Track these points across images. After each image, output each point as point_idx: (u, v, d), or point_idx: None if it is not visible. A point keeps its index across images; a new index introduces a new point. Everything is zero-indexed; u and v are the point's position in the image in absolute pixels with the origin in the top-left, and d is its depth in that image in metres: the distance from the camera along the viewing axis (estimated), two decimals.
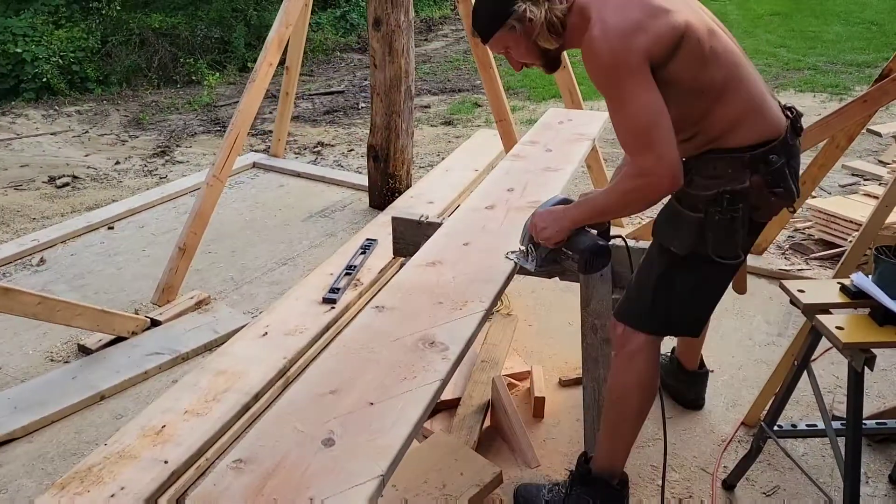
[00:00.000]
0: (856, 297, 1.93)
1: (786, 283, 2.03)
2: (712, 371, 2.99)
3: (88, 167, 6.01)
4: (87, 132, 7.30)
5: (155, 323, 3.23)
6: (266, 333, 3.00)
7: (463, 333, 1.82)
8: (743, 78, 1.86)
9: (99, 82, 9.25)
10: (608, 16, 1.74)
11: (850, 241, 3.92)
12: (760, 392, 2.68)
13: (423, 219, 2.62)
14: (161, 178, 5.74)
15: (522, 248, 2.17)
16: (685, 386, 2.80)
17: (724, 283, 2.02)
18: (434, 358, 1.72)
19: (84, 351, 3.10)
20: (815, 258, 4.04)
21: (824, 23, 11.00)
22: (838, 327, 1.82)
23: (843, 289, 1.97)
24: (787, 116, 1.93)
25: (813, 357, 2.12)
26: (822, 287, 2.02)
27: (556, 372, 2.98)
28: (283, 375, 2.80)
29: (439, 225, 2.58)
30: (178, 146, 6.73)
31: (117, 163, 6.15)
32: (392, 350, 1.75)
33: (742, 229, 1.87)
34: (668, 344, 2.94)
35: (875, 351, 1.80)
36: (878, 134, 6.21)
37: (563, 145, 3.17)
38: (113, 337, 3.10)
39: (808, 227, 4.37)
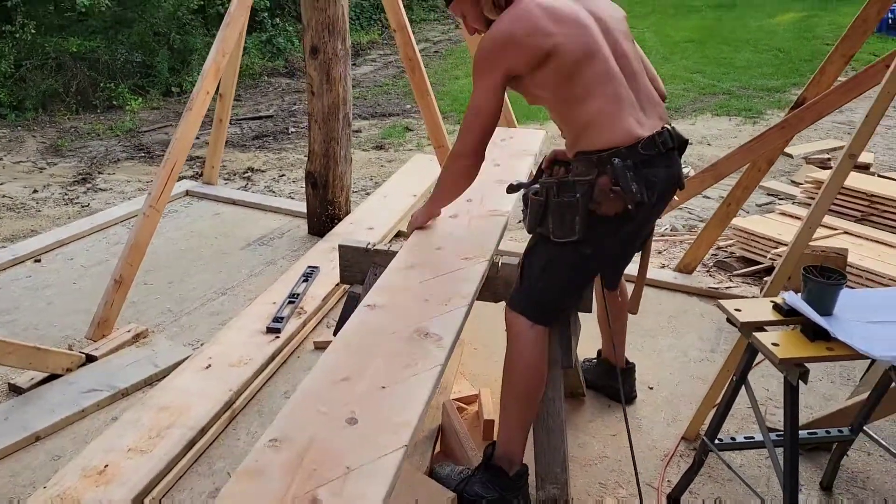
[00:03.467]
0: (788, 314, 2.04)
1: (722, 302, 2.14)
2: (651, 388, 3.11)
3: (3, 196, 5.76)
4: (1, 159, 7.01)
5: (90, 359, 3.12)
6: (209, 366, 2.94)
7: (453, 325, 1.97)
8: (603, 95, 2.12)
9: (12, 108, 8.87)
10: (507, 18, 2.12)
11: (771, 259, 4.15)
12: (699, 407, 2.79)
13: (370, 246, 2.64)
14: (83, 206, 5.56)
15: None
16: (618, 382, 2.85)
17: (574, 269, 2.23)
18: (430, 347, 1.86)
19: (15, 390, 2.96)
20: (738, 275, 4.24)
21: (735, 49, 11.59)
22: (774, 344, 1.93)
23: (776, 307, 2.09)
24: (656, 135, 2.14)
25: None
26: (756, 305, 2.13)
27: None
28: (229, 408, 2.76)
29: (387, 252, 2.62)
30: (100, 173, 6.54)
31: (35, 191, 5.92)
32: (391, 342, 1.88)
33: (578, 216, 2.11)
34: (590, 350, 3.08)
35: (808, 365, 1.92)
36: (790, 156, 6.58)
37: (510, 160, 3.31)
38: (46, 375, 2.97)
39: (730, 246, 4.59)
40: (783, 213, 4.77)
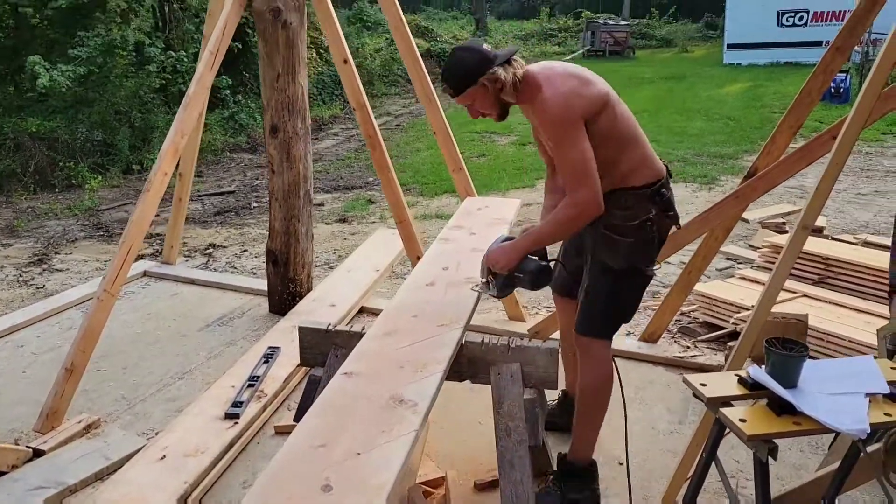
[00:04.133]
0: (753, 388, 2.03)
1: (688, 377, 2.12)
2: (621, 464, 3.05)
3: None
4: None
5: (38, 453, 2.96)
6: (164, 456, 2.82)
7: (428, 391, 2.01)
8: (639, 134, 2.56)
9: None
10: (555, 83, 2.38)
11: (734, 323, 4.17)
12: (670, 483, 2.74)
13: (329, 327, 2.60)
14: (38, 287, 5.41)
15: (483, 280, 2.64)
16: None
17: (641, 287, 2.69)
18: (405, 413, 1.90)
19: None
20: (703, 340, 4.25)
21: (688, 119, 11.97)
22: (741, 419, 1.91)
23: (741, 381, 2.07)
24: (662, 162, 2.64)
25: None
26: (721, 380, 2.11)
27: (471, 475, 2.94)
28: (184, 501, 2.62)
29: (348, 333, 2.57)
30: (56, 253, 6.40)
31: None
32: (367, 408, 1.93)
33: (657, 245, 2.59)
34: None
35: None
36: (746, 220, 6.71)
37: (485, 228, 3.39)
38: None
39: (693, 311, 4.61)
40: (743, 278, 4.83)
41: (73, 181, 9.10)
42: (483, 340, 2.52)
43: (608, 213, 2.45)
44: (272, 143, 4.14)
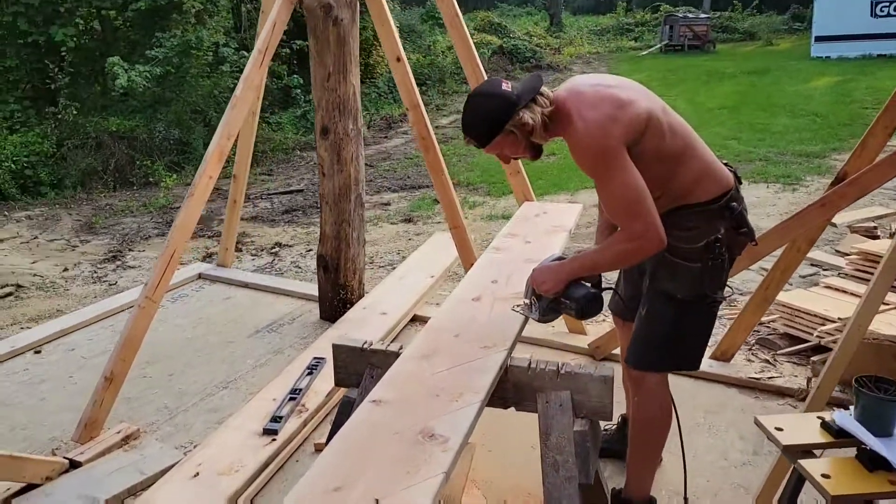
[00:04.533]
0: (839, 435, 1.75)
1: (761, 419, 1.86)
2: (687, 500, 2.77)
3: (35, 275, 5.75)
4: (36, 238, 7.07)
5: (74, 464, 2.90)
6: (198, 474, 2.71)
7: (461, 425, 1.82)
8: (696, 144, 2.26)
9: (52, 186, 9.06)
10: (586, 112, 2.08)
11: (818, 336, 3.81)
12: None
13: (366, 346, 2.43)
14: (111, 284, 5.50)
15: (527, 301, 2.38)
16: None
17: (711, 314, 2.37)
18: (435, 450, 1.72)
19: None
20: (783, 354, 3.91)
21: (771, 115, 11.33)
22: (824, 475, 1.63)
23: (825, 425, 1.79)
24: (729, 169, 2.34)
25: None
26: (801, 423, 1.83)
27: None
28: None
29: (384, 352, 2.40)
30: (130, 250, 6.52)
31: (66, 269, 5.91)
32: (392, 444, 1.76)
33: (727, 267, 2.28)
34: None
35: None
36: (834, 224, 6.23)
37: (542, 237, 3.18)
38: (24, 485, 2.76)
39: (772, 321, 4.26)
40: (829, 287, 4.44)
41: (150, 179, 9.33)
42: (530, 364, 2.30)
43: (668, 235, 2.14)
44: (322, 145, 4.01)
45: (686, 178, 2.21)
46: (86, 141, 9.64)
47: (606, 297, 2.45)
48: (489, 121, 2.14)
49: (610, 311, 2.97)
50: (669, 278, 2.29)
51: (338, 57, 3.88)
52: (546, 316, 2.37)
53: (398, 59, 3.80)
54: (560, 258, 2.37)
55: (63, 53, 10.16)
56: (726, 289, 2.34)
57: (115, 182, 9.38)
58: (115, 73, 9.52)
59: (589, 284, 2.30)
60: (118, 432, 3.09)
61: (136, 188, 9.24)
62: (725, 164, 2.35)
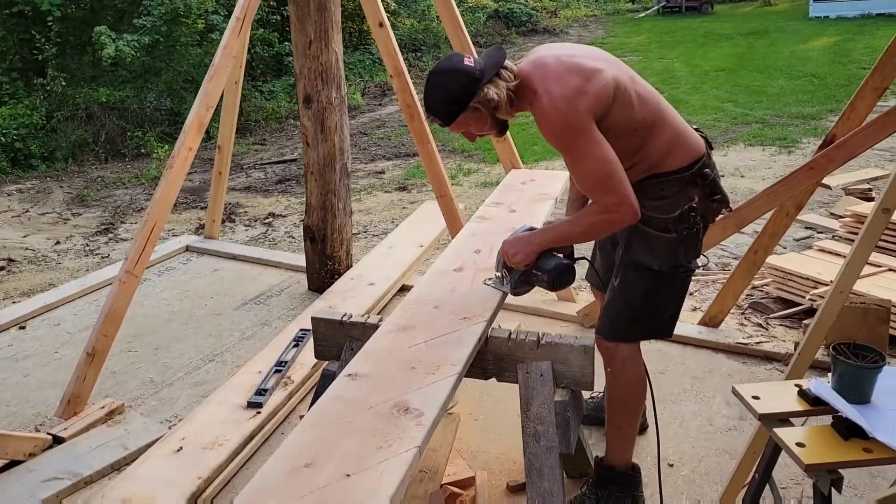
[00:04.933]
0: (816, 403, 1.72)
1: (738, 388, 1.83)
2: (672, 465, 2.77)
3: (26, 248, 5.72)
4: (27, 211, 7.02)
5: (58, 440, 2.89)
6: (181, 448, 2.70)
7: (437, 398, 1.80)
8: (666, 112, 2.21)
9: (43, 159, 8.98)
10: (551, 86, 2.01)
11: (810, 300, 3.78)
12: (724, 491, 2.46)
13: (345, 318, 2.40)
14: (103, 257, 5.48)
15: (498, 274, 2.34)
16: None
17: (685, 283, 2.33)
18: (409, 424, 1.70)
19: None
20: (776, 317, 3.89)
21: (768, 77, 11.20)
22: (799, 444, 1.61)
23: (802, 393, 1.77)
24: (700, 134, 2.29)
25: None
26: (778, 391, 1.81)
27: (504, 475, 2.72)
28: (196, 499, 2.50)
29: (364, 324, 2.37)
30: (122, 223, 6.48)
31: (58, 243, 5.87)
32: (366, 418, 1.73)
33: (702, 235, 2.25)
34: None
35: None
36: (828, 187, 6.18)
37: (528, 205, 3.13)
38: (7, 461, 2.75)
39: (766, 285, 4.24)
40: (822, 250, 4.42)
41: (142, 150, 9.26)
42: (510, 335, 2.27)
43: (642, 206, 2.08)
44: (306, 115, 3.94)
45: (657, 148, 2.15)
46: (76, 112, 9.53)
47: (581, 267, 2.43)
48: (452, 99, 2.05)
49: (590, 284, 2.93)
50: (644, 250, 2.24)
51: (319, 24, 3.79)
52: (518, 288, 2.32)
53: (380, 25, 3.72)
54: (531, 229, 2.32)
55: (49, 23, 10.00)
56: (701, 257, 2.30)
57: (107, 154, 9.29)
58: (102, 43, 9.37)
59: (561, 255, 2.26)
60: (102, 407, 3.08)
61: (127, 160, 9.16)
62: (696, 130, 2.31)
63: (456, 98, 2.04)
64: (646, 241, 2.23)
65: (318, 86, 3.87)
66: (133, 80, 10.28)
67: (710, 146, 2.31)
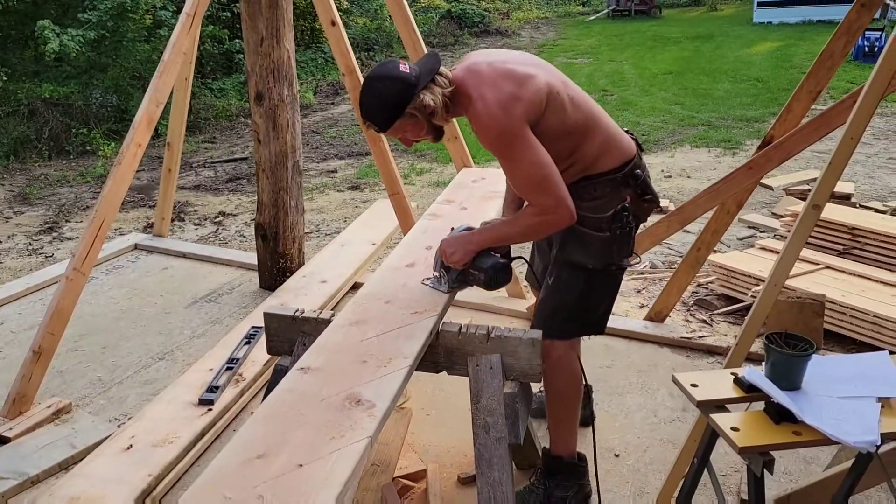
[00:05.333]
0: (750, 390, 1.81)
1: (678, 376, 1.91)
2: (617, 455, 2.86)
3: None
4: None
5: (2, 440, 2.84)
6: (131, 446, 2.68)
7: (388, 390, 1.84)
8: (598, 115, 2.26)
9: None
10: (486, 92, 2.05)
11: (752, 296, 3.92)
12: (667, 479, 2.54)
13: (297, 314, 2.41)
14: (47, 256, 5.34)
15: (436, 273, 2.39)
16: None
17: (616, 280, 2.42)
18: (361, 416, 1.73)
19: None
20: (719, 313, 4.02)
21: (714, 80, 11.50)
22: (734, 428, 1.69)
23: (737, 381, 1.85)
24: (630, 136, 2.37)
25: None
26: (715, 380, 1.89)
27: (455, 468, 2.77)
28: (146, 496, 2.49)
29: (316, 320, 2.39)
30: (67, 221, 6.33)
31: None
32: (318, 410, 1.75)
33: (634, 234, 2.33)
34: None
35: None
36: (770, 187, 6.39)
37: (479, 203, 3.18)
38: None
39: (710, 283, 4.38)
40: (763, 248, 4.58)
41: (88, 147, 9.02)
42: (461, 329, 2.32)
43: (576, 207, 2.14)
44: (257, 112, 3.93)
45: (590, 150, 2.21)
46: (17, 108, 9.25)
47: (519, 267, 2.51)
48: (389, 105, 2.06)
49: (531, 286, 2.99)
50: (579, 249, 2.30)
51: (270, 21, 3.78)
52: (455, 287, 2.36)
53: (333, 24, 3.73)
54: (468, 229, 2.37)
55: None
56: (634, 256, 2.37)
57: (50, 151, 9.04)
58: (45, 38, 9.12)
59: (498, 255, 2.30)
60: (48, 406, 3.03)
61: (72, 157, 8.94)
62: (627, 132, 2.38)
63: (392, 104, 2.06)
64: (580, 240, 2.29)
65: (269, 83, 3.87)
66: (78, 76, 10.03)
67: (640, 148, 2.38)
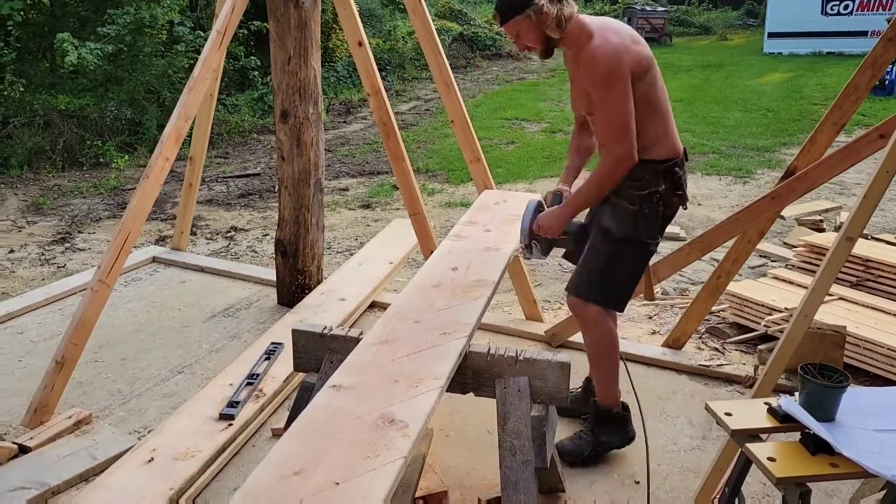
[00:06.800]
0: (785, 420, 1.81)
1: (711, 405, 1.91)
2: (638, 482, 2.85)
3: None
4: None
5: (24, 450, 2.84)
6: (152, 459, 2.68)
7: (421, 410, 1.86)
8: (668, 108, 2.61)
9: None
10: (608, 34, 2.43)
11: (765, 326, 3.92)
12: None
13: (326, 331, 2.43)
14: (59, 266, 5.36)
15: (524, 244, 2.80)
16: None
17: (642, 260, 2.73)
18: (394, 436, 1.75)
19: None
20: (732, 342, 4.02)
21: (724, 109, 11.56)
22: (770, 458, 1.69)
23: (771, 410, 1.86)
24: (685, 148, 2.71)
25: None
26: (749, 409, 1.90)
27: (476, 490, 2.76)
28: None
29: (344, 338, 2.41)
30: (80, 232, 6.35)
31: (11, 251, 5.73)
32: (352, 429, 1.78)
33: (660, 220, 2.64)
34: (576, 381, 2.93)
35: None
36: (782, 217, 6.41)
37: (501, 225, 3.23)
38: None
39: (722, 311, 4.38)
40: (776, 278, 4.58)
41: (101, 159, 9.08)
42: (489, 351, 2.33)
43: (621, 181, 2.53)
44: (282, 129, 3.97)
45: (650, 134, 2.51)
46: (33, 119, 9.33)
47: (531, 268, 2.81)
48: (514, 1, 2.44)
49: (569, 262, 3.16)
50: (610, 216, 2.65)
51: (299, 40, 3.83)
52: (548, 252, 2.83)
53: (360, 44, 3.78)
54: (540, 203, 2.80)
55: (10, 28, 9.80)
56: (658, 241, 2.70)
57: (64, 162, 9.10)
58: (64, 50, 9.21)
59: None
60: (69, 417, 3.03)
61: (86, 168, 8.99)
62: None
63: (517, 2, 2.43)
64: (613, 208, 2.64)
65: (295, 101, 3.91)
66: (94, 89, 10.11)
67: (686, 156, 2.70)
